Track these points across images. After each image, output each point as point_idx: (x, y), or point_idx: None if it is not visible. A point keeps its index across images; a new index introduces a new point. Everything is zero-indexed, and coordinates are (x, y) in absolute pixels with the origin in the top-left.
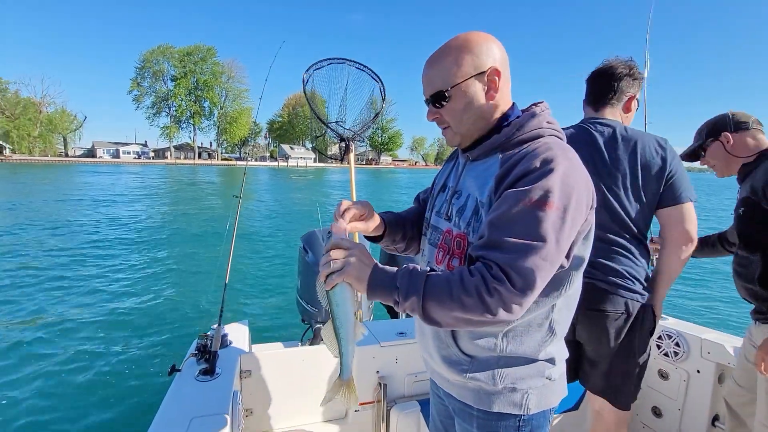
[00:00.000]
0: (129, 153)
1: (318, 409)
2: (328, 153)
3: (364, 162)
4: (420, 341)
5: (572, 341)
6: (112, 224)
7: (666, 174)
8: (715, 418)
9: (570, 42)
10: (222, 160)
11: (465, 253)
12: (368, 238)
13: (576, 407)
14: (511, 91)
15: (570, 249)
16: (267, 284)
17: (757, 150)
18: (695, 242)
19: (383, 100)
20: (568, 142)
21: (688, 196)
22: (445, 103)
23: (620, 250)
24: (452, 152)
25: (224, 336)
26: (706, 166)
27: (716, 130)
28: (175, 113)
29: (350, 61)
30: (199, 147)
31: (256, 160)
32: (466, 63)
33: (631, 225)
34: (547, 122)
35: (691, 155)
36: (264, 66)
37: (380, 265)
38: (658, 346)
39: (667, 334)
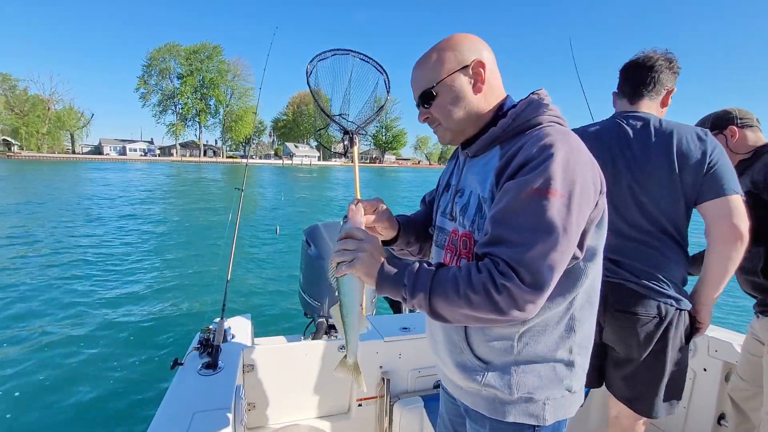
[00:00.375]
0: (135, 150)
1: (321, 403)
2: (333, 150)
3: (367, 161)
4: (432, 346)
5: (599, 344)
6: (116, 219)
7: (706, 164)
8: (721, 417)
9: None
10: (227, 157)
11: (472, 253)
12: (383, 242)
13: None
14: (514, 92)
15: (582, 238)
16: (269, 278)
17: (755, 147)
18: (746, 239)
19: (387, 92)
20: (595, 138)
21: (733, 188)
22: (432, 102)
23: (650, 249)
24: (454, 151)
25: (227, 330)
26: None
27: (722, 123)
28: (181, 111)
29: (354, 51)
30: (204, 145)
31: (260, 158)
32: (449, 59)
33: (665, 222)
34: (546, 109)
35: None
36: (270, 64)
37: (389, 260)
38: None
39: None
